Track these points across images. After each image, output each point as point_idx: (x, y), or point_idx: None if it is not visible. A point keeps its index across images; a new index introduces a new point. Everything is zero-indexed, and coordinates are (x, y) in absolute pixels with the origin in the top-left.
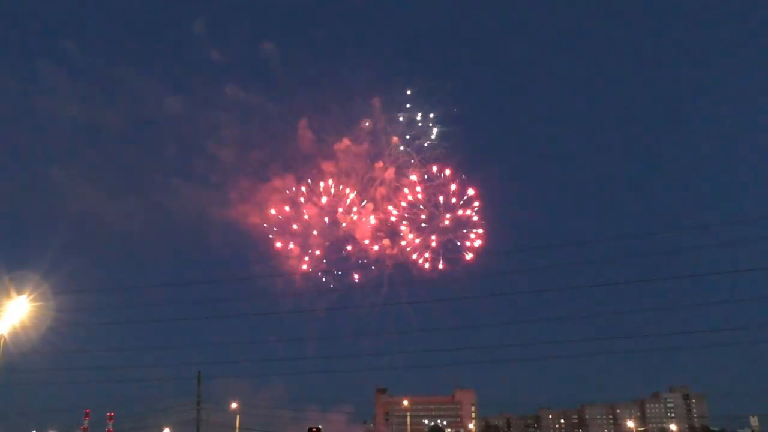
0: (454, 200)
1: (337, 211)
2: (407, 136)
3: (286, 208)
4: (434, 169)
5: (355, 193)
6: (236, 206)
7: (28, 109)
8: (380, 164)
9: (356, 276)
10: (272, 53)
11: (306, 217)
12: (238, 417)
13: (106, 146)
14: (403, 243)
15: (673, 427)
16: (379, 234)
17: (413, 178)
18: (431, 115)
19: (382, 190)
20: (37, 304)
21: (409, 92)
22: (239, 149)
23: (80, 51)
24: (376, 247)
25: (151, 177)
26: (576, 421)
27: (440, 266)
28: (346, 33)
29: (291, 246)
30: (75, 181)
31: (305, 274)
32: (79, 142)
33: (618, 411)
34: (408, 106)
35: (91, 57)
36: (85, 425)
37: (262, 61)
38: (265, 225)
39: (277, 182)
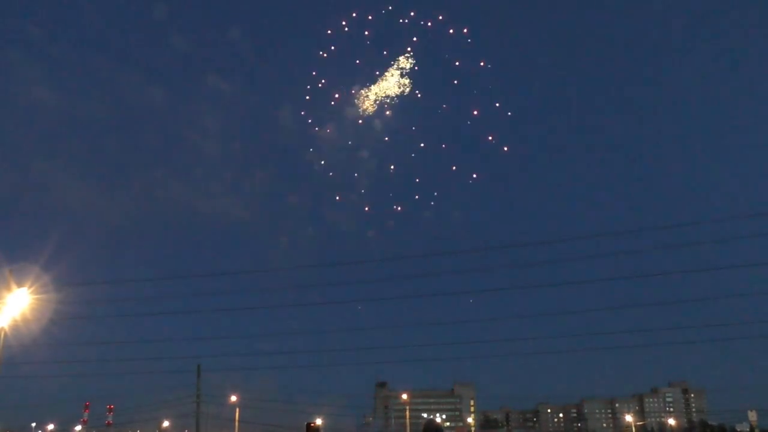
0: None
1: None
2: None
3: None
4: None
5: None
6: (221, 199)
7: (6, 100)
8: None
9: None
10: (240, 40)
11: None
12: (237, 410)
13: (89, 138)
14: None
15: (671, 421)
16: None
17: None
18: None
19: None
20: (38, 296)
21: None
22: (221, 140)
23: (48, 39)
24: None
25: (136, 170)
26: (575, 415)
27: None
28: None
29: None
30: (61, 173)
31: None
32: (61, 133)
33: (617, 405)
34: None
35: (60, 45)
36: (85, 417)
37: (231, 49)
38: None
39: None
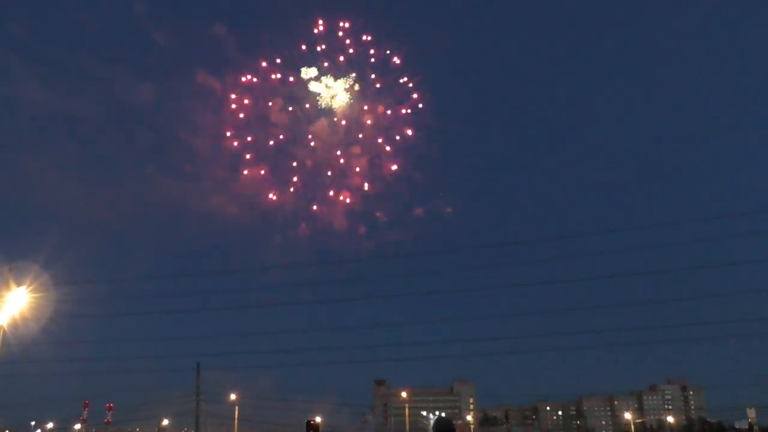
0: None
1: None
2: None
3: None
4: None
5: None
6: (213, 197)
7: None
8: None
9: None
10: (225, 36)
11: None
12: (236, 408)
13: (79, 136)
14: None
15: (670, 419)
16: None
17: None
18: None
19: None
20: (37, 295)
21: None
22: (212, 138)
23: (31, 36)
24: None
25: (131, 168)
26: (574, 413)
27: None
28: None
29: None
30: (58, 172)
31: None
32: (51, 131)
33: (616, 403)
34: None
35: (44, 43)
36: (85, 416)
37: (217, 45)
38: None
39: (251, 172)
